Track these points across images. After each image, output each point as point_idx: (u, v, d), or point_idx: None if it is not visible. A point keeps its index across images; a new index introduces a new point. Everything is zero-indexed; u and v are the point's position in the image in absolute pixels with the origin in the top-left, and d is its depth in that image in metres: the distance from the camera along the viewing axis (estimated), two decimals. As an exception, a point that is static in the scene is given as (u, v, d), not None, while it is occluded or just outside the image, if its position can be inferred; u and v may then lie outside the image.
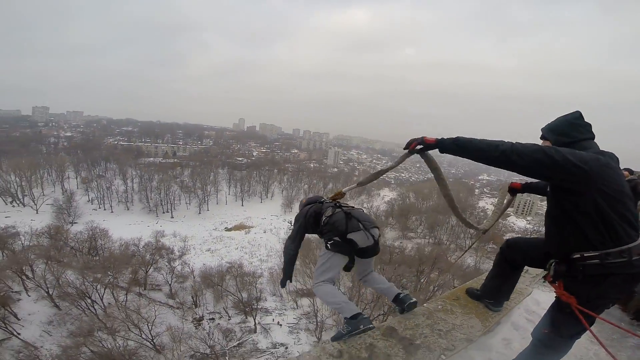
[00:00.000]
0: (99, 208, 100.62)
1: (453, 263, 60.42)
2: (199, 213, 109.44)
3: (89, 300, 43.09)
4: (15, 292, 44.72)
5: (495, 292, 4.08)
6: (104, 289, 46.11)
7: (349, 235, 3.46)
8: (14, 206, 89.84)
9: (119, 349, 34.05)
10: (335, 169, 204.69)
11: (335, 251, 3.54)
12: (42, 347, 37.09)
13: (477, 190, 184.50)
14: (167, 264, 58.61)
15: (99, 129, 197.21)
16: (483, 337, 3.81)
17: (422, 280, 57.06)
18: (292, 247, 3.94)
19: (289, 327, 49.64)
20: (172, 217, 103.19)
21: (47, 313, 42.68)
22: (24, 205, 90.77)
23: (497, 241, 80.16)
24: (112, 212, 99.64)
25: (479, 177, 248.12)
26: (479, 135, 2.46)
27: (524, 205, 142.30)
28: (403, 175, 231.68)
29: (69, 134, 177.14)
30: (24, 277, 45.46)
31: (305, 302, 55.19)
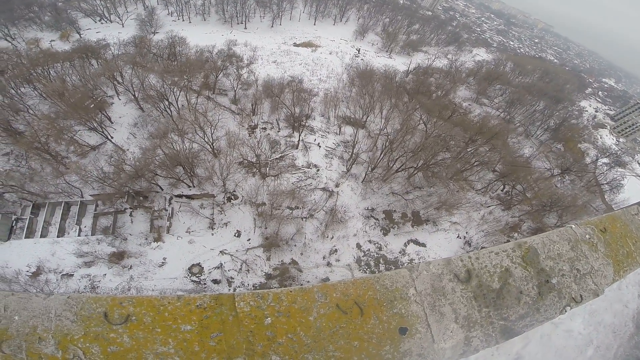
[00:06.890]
0: (178, 19, 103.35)
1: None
2: (272, 26, 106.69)
3: (166, 102, 50.10)
4: (109, 96, 54.02)
5: None
6: (179, 92, 52.53)
7: None
8: (102, 23, 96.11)
9: (185, 151, 40.87)
10: (430, 12, 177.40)
11: None
12: (128, 150, 46.32)
13: (589, 89, 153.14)
14: (235, 70, 62.37)
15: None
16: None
17: (468, 149, 53.85)
18: None
19: (326, 150, 52.60)
20: (245, 29, 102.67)
21: (133, 115, 51.66)
22: (111, 22, 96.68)
23: (569, 146, 76.05)
24: (190, 22, 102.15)
25: (603, 79, 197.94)
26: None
27: (630, 126, 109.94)
28: (512, 43, 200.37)
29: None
30: (115, 82, 53.63)
31: (349, 130, 56.50)
